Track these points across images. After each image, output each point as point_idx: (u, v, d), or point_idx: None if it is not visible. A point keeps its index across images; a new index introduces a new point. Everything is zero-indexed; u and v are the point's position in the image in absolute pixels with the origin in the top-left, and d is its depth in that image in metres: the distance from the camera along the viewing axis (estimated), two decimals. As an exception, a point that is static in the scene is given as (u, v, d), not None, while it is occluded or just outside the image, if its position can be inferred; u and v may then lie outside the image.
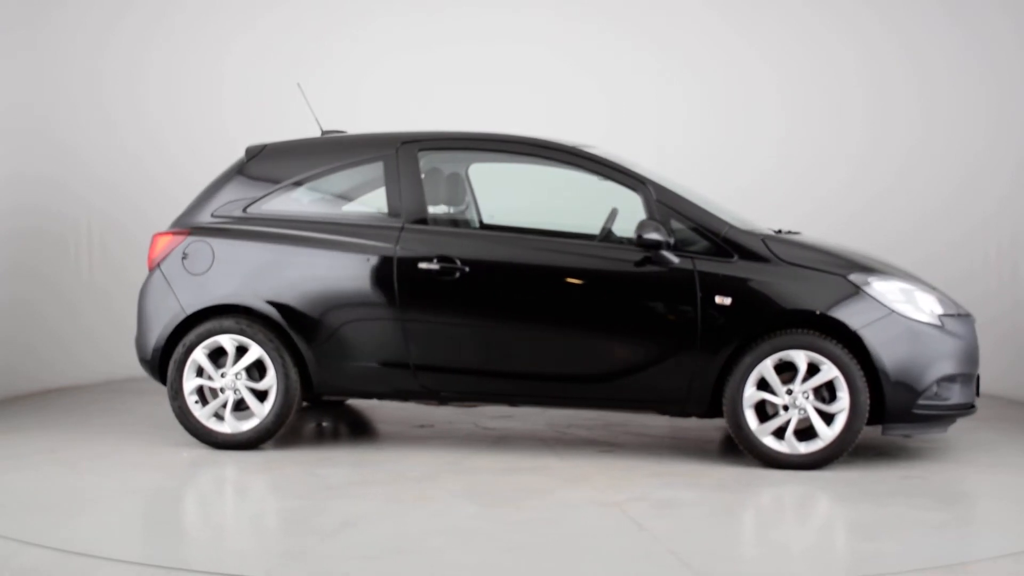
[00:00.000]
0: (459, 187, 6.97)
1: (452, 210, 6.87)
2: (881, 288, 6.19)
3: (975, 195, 8.97)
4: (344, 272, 6.37)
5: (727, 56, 9.65)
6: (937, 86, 9.19)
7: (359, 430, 7.29)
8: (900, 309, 6.15)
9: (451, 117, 7.79)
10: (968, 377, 6.36)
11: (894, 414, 6.15)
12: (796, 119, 9.52)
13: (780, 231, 7.10)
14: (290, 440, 6.77)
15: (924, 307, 6.24)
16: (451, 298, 6.29)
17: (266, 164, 6.68)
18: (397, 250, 6.33)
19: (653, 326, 6.21)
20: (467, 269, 6.28)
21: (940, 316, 6.25)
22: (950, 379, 6.26)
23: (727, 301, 6.16)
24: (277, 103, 8.74)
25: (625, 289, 6.24)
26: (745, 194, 8.36)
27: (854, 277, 6.20)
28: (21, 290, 8.24)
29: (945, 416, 6.32)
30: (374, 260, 6.34)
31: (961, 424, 6.80)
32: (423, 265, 6.29)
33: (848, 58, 9.48)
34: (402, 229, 6.39)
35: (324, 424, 7.39)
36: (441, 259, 6.29)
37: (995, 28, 8.90)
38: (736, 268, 6.19)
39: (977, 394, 6.50)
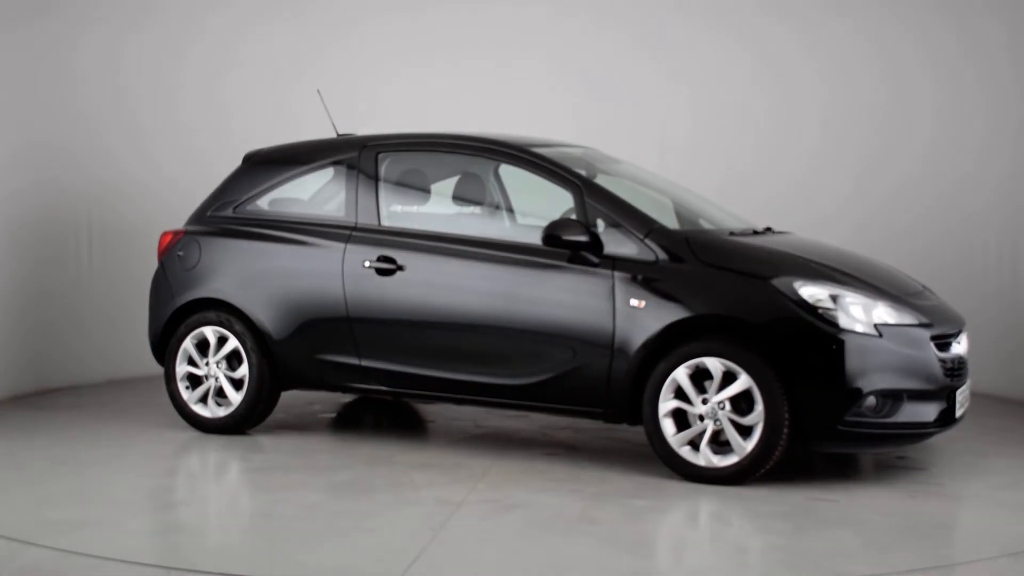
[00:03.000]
0: (477, 188, 7.06)
1: (477, 210, 6.95)
2: (807, 293, 5.76)
3: (973, 192, 8.62)
4: (303, 270, 6.70)
5: (728, 55, 9.49)
6: (936, 82, 8.87)
7: (388, 422, 7.58)
8: (827, 316, 5.69)
9: (459, 120, 7.92)
10: (922, 393, 5.78)
11: (816, 430, 5.71)
12: (796, 117, 9.30)
13: (770, 229, 6.82)
14: (302, 427, 7.15)
15: (858, 315, 5.74)
16: (390, 297, 6.47)
17: (257, 168, 7.14)
18: (346, 249, 6.58)
19: (574, 328, 6.08)
20: (404, 268, 6.44)
21: (881, 325, 5.72)
22: (892, 395, 5.72)
23: (641, 304, 5.95)
24: (280, 104, 9.16)
25: (552, 291, 6.15)
26: (746, 192, 7.98)
27: (778, 281, 5.80)
28: (25, 289, 8.25)
29: (889, 435, 5.79)
30: (327, 259, 6.62)
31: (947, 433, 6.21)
32: (366, 264, 6.52)
33: (847, 55, 9.20)
34: (354, 228, 6.64)
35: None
36: (382, 259, 6.48)
37: (991, 26, 8.59)
38: (654, 270, 5.96)
39: (953, 410, 5.89)
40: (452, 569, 4.55)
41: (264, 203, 7.03)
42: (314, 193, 6.97)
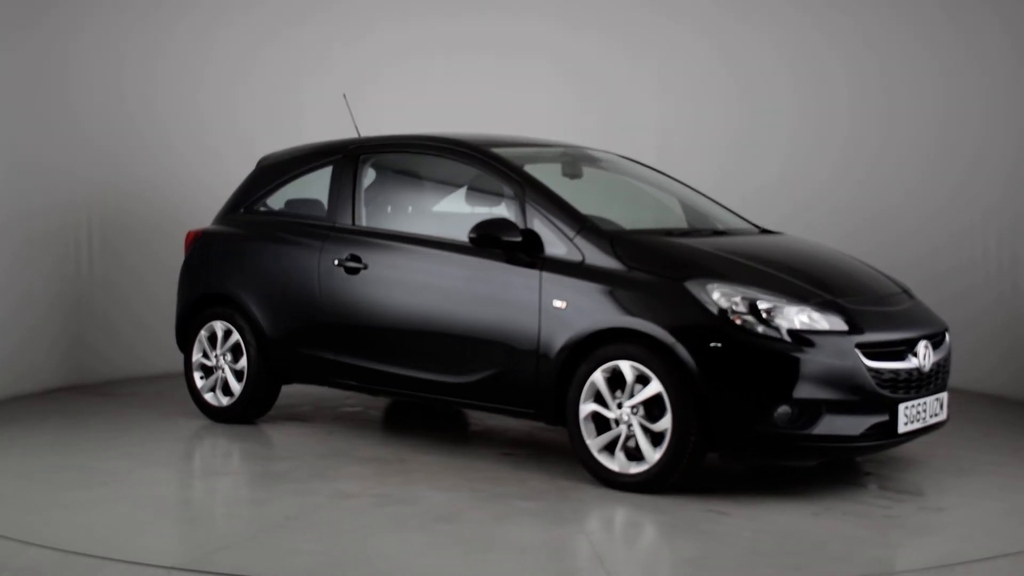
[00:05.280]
0: (493, 188, 7.14)
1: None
2: (718, 295, 5.52)
3: (972, 192, 8.38)
4: (289, 267, 6.96)
5: (730, 56, 9.46)
6: (935, 82, 8.73)
7: (407, 421, 7.74)
8: (739, 320, 5.44)
9: (470, 121, 7.97)
10: (845, 405, 5.42)
11: (725, 439, 5.47)
12: (794, 117, 9.30)
13: (762, 230, 6.63)
14: (311, 420, 7.41)
15: (773, 319, 5.44)
16: (355, 294, 6.63)
17: (267, 170, 7.48)
18: (322, 248, 6.80)
19: (508, 328, 6.04)
20: (367, 267, 6.59)
21: (798, 331, 5.41)
22: (808, 405, 5.39)
23: (562, 305, 5.86)
24: (295, 107, 9.38)
25: (489, 289, 6.15)
26: (747, 190, 7.75)
27: (691, 283, 5.58)
28: (28, 289, 8.22)
29: (807, 448, 5.46)
30: (308, 257, 6.86)
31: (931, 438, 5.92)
32: (335, 262, 6.71)
33: (845, 56, 9.16)
34: (332, 228, 6.85)
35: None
36: (351, 257, 6.66)
37: (989, 25, 8.37)
38: (577, 270, 5.86)
39: (894, 425, 5.51)
40: (249, 556, 4.67)
41: (272, 203, 7.35)
42: (309, 193, 7.24)
